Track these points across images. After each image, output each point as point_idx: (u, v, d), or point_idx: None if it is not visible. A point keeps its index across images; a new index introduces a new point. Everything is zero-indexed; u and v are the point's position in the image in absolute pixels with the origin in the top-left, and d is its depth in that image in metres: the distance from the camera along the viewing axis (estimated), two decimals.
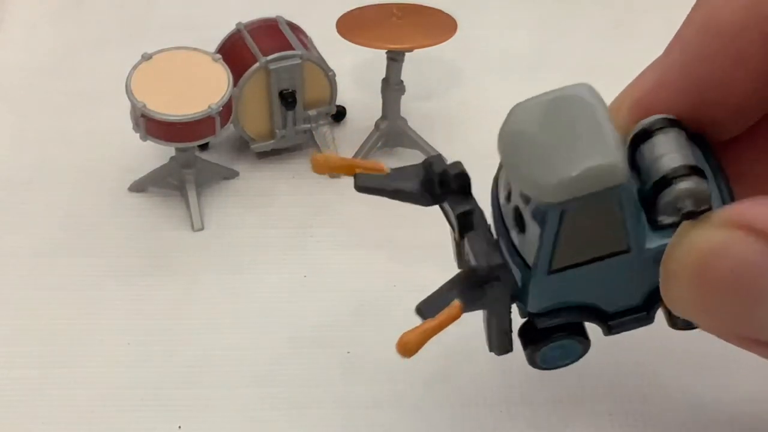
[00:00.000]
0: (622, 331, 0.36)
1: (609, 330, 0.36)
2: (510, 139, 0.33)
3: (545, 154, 0.31)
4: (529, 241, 0.33)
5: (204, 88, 0.52)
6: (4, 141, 0.60)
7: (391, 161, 0.59)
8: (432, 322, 0.35)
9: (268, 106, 0.56)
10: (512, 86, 0.64)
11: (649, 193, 0.33)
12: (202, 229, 0.54)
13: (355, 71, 0.64)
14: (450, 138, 0.59)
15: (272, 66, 0.55)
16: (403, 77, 0.56)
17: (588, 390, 0.45)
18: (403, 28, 0.55)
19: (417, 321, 0.48)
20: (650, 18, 0.69)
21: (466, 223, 0.36)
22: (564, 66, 0.66)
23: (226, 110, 0.53)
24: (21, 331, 0.48)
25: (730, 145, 0.36)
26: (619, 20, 0.70)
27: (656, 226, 0.33)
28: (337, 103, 0.58)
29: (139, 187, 0.56)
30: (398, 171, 0.37)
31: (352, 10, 0.56)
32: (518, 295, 0.35)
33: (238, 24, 0.58)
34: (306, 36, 0.58)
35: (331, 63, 0.57)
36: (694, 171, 0.32)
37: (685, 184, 0.32)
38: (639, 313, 0.36)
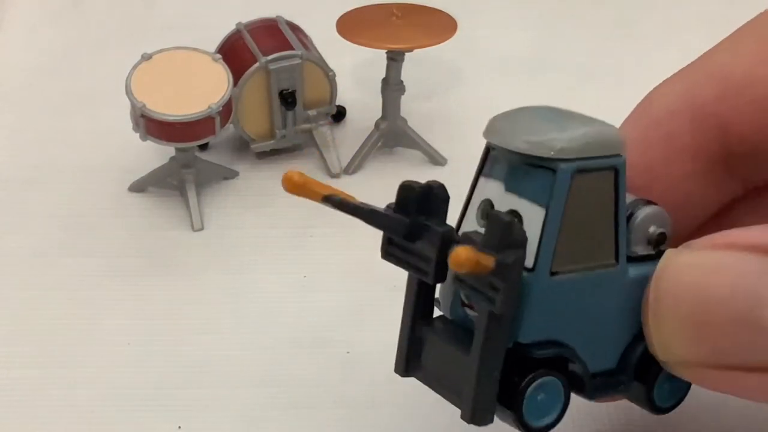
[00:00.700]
0: (603, 395, 0.34)
1: (591, 390, 0.34)
2: (503, 121, 0.33)
3: (547, 123, 0.32)
4: (527, 236, 0.32)
5: (204, 88, 0.52)
6: (4, 141, 0.60)
7: (391, 161, 0.59)
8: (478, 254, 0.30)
9: (268, 106, 0.56)
10: (512, 86, 0.64)
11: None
12: (202, 229, 0.54)
13: (355, 71, 0.64)
14: (450, 138, 0.59)
15: (272, 66, 0.55)
16: (403, 77, 0.56)
17: None
18: (403, 28, 0.55)
19: None
20: (650, 18, 0.69)
21: (450, 241, 0.33)
22: (564, 66, 0.66)
23: (226, 110, 0.53)
24: (21, 331, 0.48)
25: None
26: (619, 20, 0.70)
27: (629, 259, 0.33)
28: (337, 103, 0.58)
29: (139, 187, 0.56)
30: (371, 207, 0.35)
31: (352, 10, 0.57)
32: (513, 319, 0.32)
33: (238, 24, 0.58)
34: (306, 36, 0.58)
35: (331, 63, 0.57)
36: (648, 201, 0.34)
37: (647, 210, 0.33)
38: (616, 376, 0.34)
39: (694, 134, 0.36)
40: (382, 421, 0.44)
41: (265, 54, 0.55)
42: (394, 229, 0.34)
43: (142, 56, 0.53)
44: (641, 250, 0.34)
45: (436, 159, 0.58)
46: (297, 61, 0.55)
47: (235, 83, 0.54)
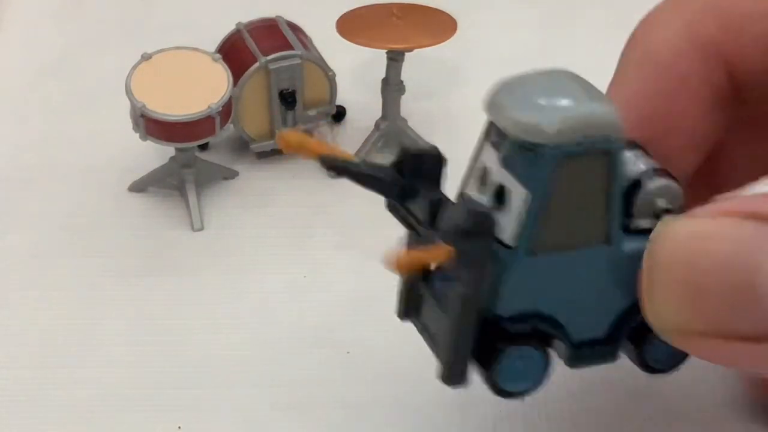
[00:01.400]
0: (585, 365, 0.35)
1: (572, 360, 0.35)
2: (502, 90, 0.33)
3: (543, 99, 0.31)
4: (511, 214, 0.32)
5: (204, 88, 0.52)
6: (5, 141, 0.60)
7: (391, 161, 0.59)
8: (422, 253, 0.32)
9: (268, 106, 0.56)
10: None
11: (622, 198, 0.33)
12: (202, 229, 0.54)
13: (355, 71, 0.64)
14: (450, 138, 0.59)
15: (272, 66, 0.55)
16: (403, 77, 0.56)
17: (588, 390, 0.45)
18: (403, 28, 0.55)
19: None
20: None
21: (436, 212, 0.33)
22: (564, 66, 0.66)
23: (226, 110, 0.53)
24: (21, 331, 0.48)
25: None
26: (619, 20, 0.70)
27: (629, 231, 0.33)
28: (337, 103, 0.58)
29: (139, 187, 0.56)
30: (370, 164, 0.36)
31: (352, 10, 0.57)
32: (491, 293, 0.32)
33: (238, 24, 0.58)
34: (306, 36, 0.58)
35: (331, 63, 0.57)
36: (663, 172, 0.33)
37: (657, 183, 0.33)
38: (603, 346, 0.35)
39: (702, 75, 0.35)
40: (382, 421, 0.44)
41: (265, 54, 0.55)
42: (386, 191, 0.35)
43: (142, 56, 0.53)
44: (646, 223, 0.33)
45: None
46: (297, 61, 0.55)
47: (235, 83, 0.54)
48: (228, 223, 0.54)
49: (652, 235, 0.32)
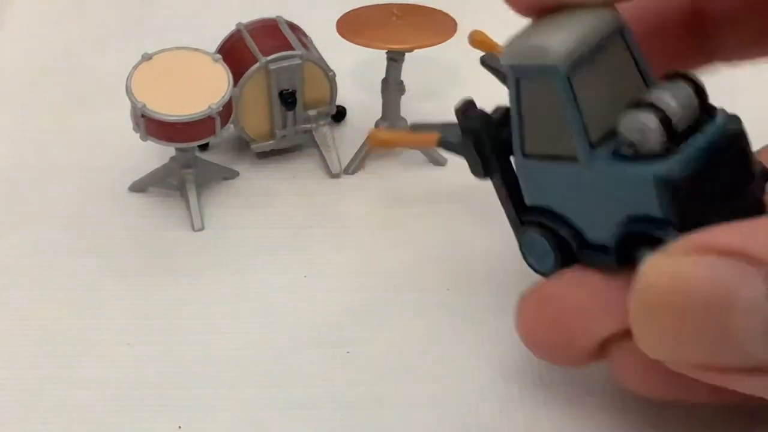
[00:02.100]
0: (587, 261, 0.40)
1: (578, 255, 0.40)
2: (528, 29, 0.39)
3: (531, 33, 0.38)
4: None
5: (204, 88, 0.52)
6: (5, 141, 0.60)
7: (391, 161, 0.59)
8: (407, 135, 0.46)
9: (268, 106, 0.56)
10: None
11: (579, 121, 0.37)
12: (202, 229, 0.54)
13: (355, 71, 0.64)
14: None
15: (272, 66, 0.55)
16: (403, 77, 0.56)
17: (589, 390, 0.45)
18: (403, 28, 0.55)
19: (417, 321, 0.49)
20: None
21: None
22: None
23: (226, 110, 0.53)
24: (21, 331, 0.48)
25: None
26: None
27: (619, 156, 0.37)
28: (337, 103, 0.58)
29: (139, 187, 0.56)
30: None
31: (352, 10, 0.57)
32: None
33: (238, 24, 0.58)
34: (306, 36, 0.58)
35: (331, 63, 0.57)
36: (665, 116, 0.35)
37: (642, 117, 0.36)
38: (608, 254, 0.38)
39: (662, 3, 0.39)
40: (382, 421, 0.44)
41: (265, 54, 0.55)
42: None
43: (143, 56, 0.53)
44: (627, 151, 0.36)
45: (436, 159, 0.58)
46: (297, 61, 0.55)
47: (236, 83, 0.54)
48: (228, 223, 0.54)
49: (638, 276, 0.34)
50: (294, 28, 0.58)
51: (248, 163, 0.58)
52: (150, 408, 0.44)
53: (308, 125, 0.57)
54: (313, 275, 0.51)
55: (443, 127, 0.46)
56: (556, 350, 0.41)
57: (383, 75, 0.56)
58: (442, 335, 0.48)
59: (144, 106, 0.51)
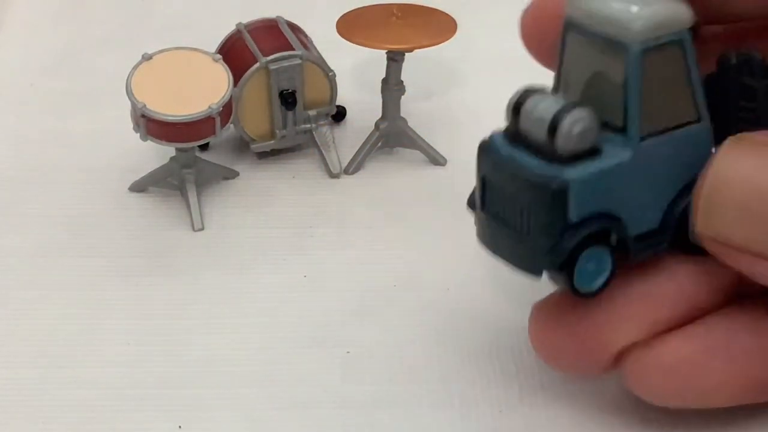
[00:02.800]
0: (644, 258, 0.38)
1: (634, 253, 0.38)
2: None
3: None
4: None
5: (204, 88, 0.52)
6: (5, 141, 0.60)
7: (391, 161, 0.59)
8: None
9: (268, 106, 0.56)
10: (512, 86, 0.64)
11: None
12: (202, 229, 0.54)
13: (355, 71, 0.64)
14: (450, 138, 0.59)
15: (272, 66, 0.55)
16: (403, 77, 0.56)
17: (588, 390, 0.45)
18: (403, 28, 0.55)
19: (417, 321, 0.49)
20: None
21: None
22: None
23: (226, 110, 0.53)
24: (21, 331, 0.48)
25: None
26: None
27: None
28: (337, 103, 0.58)
29: (139, 187, 0.56)
30: None
31: (352, 10, 0.57)
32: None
33: (238, 24, 0.58)
34: (306, 36, 0.59)
35: (331, 63, 0.57)
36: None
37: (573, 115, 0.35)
38: (657, 236, 0.38)
39: None
40: (382, 421, 0.44)
41: (265, 54, 0.55)
42: None
43: (143, 56, 0.53)
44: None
45: (436, 159, 0.58)
46: (297, 61, 0.55)
47: (236, 83, 0.54)
48: (228, 223, 0.54)
49: (715, 155, 0.36)
50: (294, 28, 0.58)
51: (248, 163, 0.58)
52: (150, 408, 0.44)
53: (308, 125, 0.57)
54: (313, 275, 0.51)
55: None
56: (573, 361, 0.41)
57: (383, 75, 0.56)
58: (442, 335, 0.48)
59: (144, 106, 0.51)
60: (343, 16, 0.56)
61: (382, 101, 0.57)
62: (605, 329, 0.39)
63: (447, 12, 0.56)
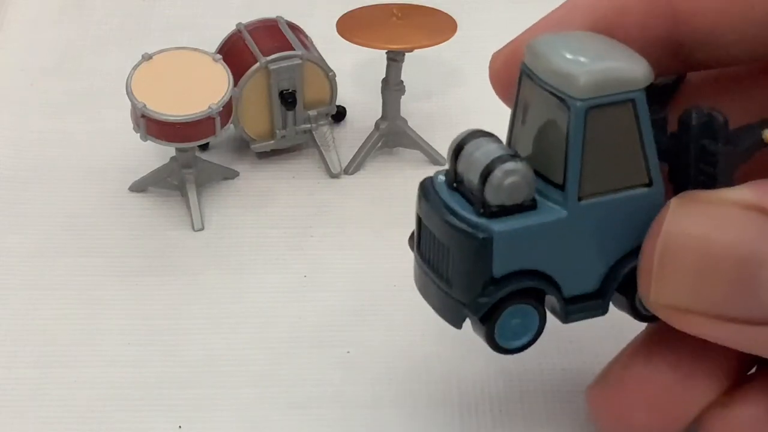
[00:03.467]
0: (577, 318, 0.36)
1: (565, 314, 0.36)
2: (542, 42, 0.35)
3: (577, 55, 0.34)
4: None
5: (204, 88, 0.52)
6: (5, 141, 0.60)
7: (391, 161, 0.59)
8: None
9: (268, 106, 0.56)
10: None
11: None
12: (202, 229, 0.54)
13: (355, 71, 0.64)
14: (450, 138, 0.58)
15: (272, 66, 0.55)
16: (403, 77, 0.56)
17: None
18: (403, 28, 0.55)
19: (418, 320, 0.49)
20: None
21: None
22: None
23: (226, 110, 0.53)
24: (21, 331, 0.48)
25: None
26: None
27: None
28: (337, 103, 0.58)
29: (139, 187, 0.56)
30: None
31: (352, 10, 0.57)
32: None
33: (238, 24, 0.58)
34: (306, 36, 0.59)
35: (331, 63, 0.57)
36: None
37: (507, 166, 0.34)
38: (594, 300, 0.36)
39: (644, 13, 0.36)
40: (382, 421, 0.44)
41: (266, 54, 0.55)
42: None
43: (143, 56, 0.53)
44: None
45: (436, 159, 0.58)
46: (297, 61, 0.55)
47: (236, 83, 0.54)
48: (228, 223, 0.54)
49: (664, 216, 0.34)
50: (294, 28, 0.58)
51: (248, 163, 0.58)
52: (150, 408, 0.44)
53: (308, 125, 0.57)
54: (313, 275, 0.51)
55: None
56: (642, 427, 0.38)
57: (383, 75, 0.56)
58: (441, 335, 0.48)
59: (144, 106, 0.51)
60: (343, 16, 0.56)
61: (382, 101, 0.57)
62: (685, 390, 0.37)
63: (447, 12, 0.56)
